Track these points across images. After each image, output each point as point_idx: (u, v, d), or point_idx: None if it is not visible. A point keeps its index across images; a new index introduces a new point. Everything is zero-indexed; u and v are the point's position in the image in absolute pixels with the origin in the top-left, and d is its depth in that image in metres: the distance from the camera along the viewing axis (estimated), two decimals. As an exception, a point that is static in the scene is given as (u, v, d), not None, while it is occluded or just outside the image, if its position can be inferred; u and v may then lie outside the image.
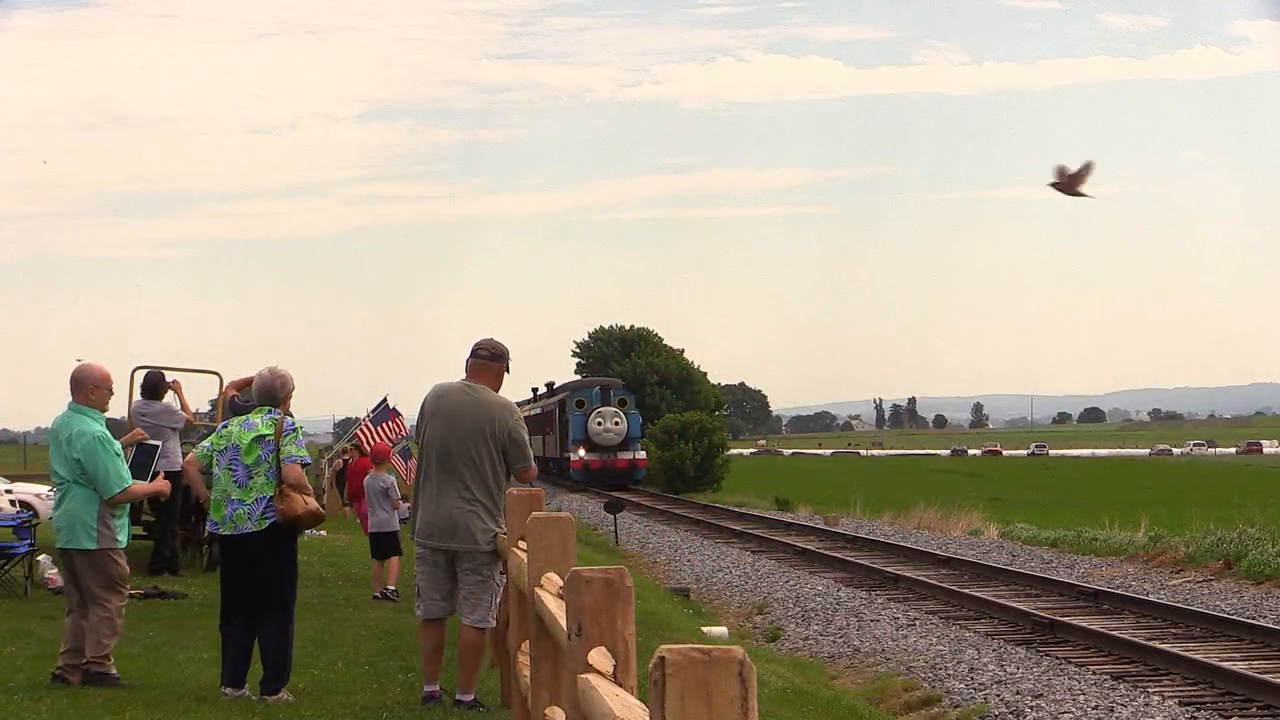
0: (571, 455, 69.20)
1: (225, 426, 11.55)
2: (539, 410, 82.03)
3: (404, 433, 34.94)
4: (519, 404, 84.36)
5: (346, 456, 33.71)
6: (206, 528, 11.88)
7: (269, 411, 11.44)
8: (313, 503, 11.32)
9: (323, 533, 32.03)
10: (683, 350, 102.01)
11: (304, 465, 11.36)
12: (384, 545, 19.63)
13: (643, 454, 70.20)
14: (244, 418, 11.50)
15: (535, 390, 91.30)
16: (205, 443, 11.79)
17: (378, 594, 19.14)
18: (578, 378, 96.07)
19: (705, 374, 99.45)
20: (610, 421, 69.03)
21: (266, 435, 11.26)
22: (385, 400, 35.60)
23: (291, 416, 11.62)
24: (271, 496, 11.18)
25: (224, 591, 11.56)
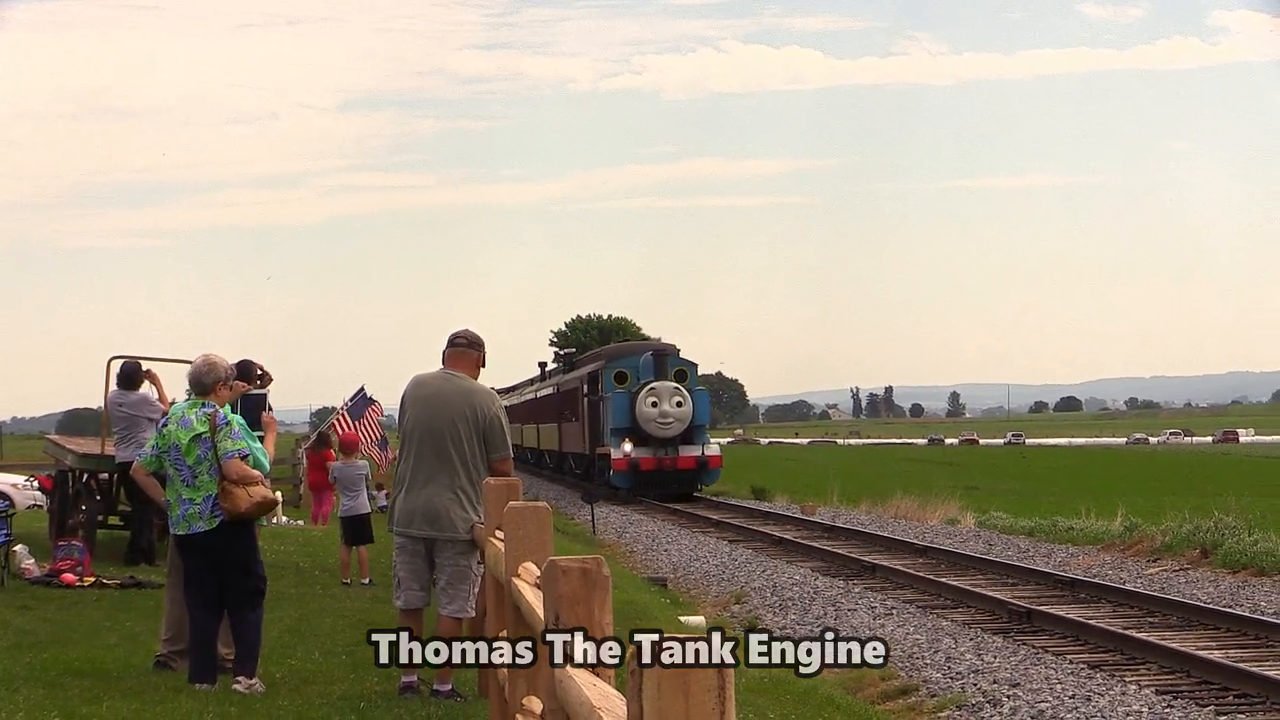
0: (612, 451, 48.59)
1: (165, 425, 11.41)
2: (552, 390, 62.60)
3: (380, 433, 34.89)
4: (518, 385, 78.92)
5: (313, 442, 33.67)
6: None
7: (202, 405, 11.31)
8: (258, 492, 11.17)
9: (300, 522, 32.02)
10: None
11: (243, 457, 11.23)
12: (356, 531, 19.64)
13: (715, 449, 49.95)
14: (180, 414, 11.34)
15: (543, 365, 74.94)
16: (147, 448, 11.63)
17: (346, 580, 19.17)
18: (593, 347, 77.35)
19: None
20: (670, 403, 48.10)
21: (202, 433, 11.13)
22: (363, 389, 35.53)
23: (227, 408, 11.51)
24: (218, 494, 11.14)
25: (186, 589, 11.49)
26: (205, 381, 11.41)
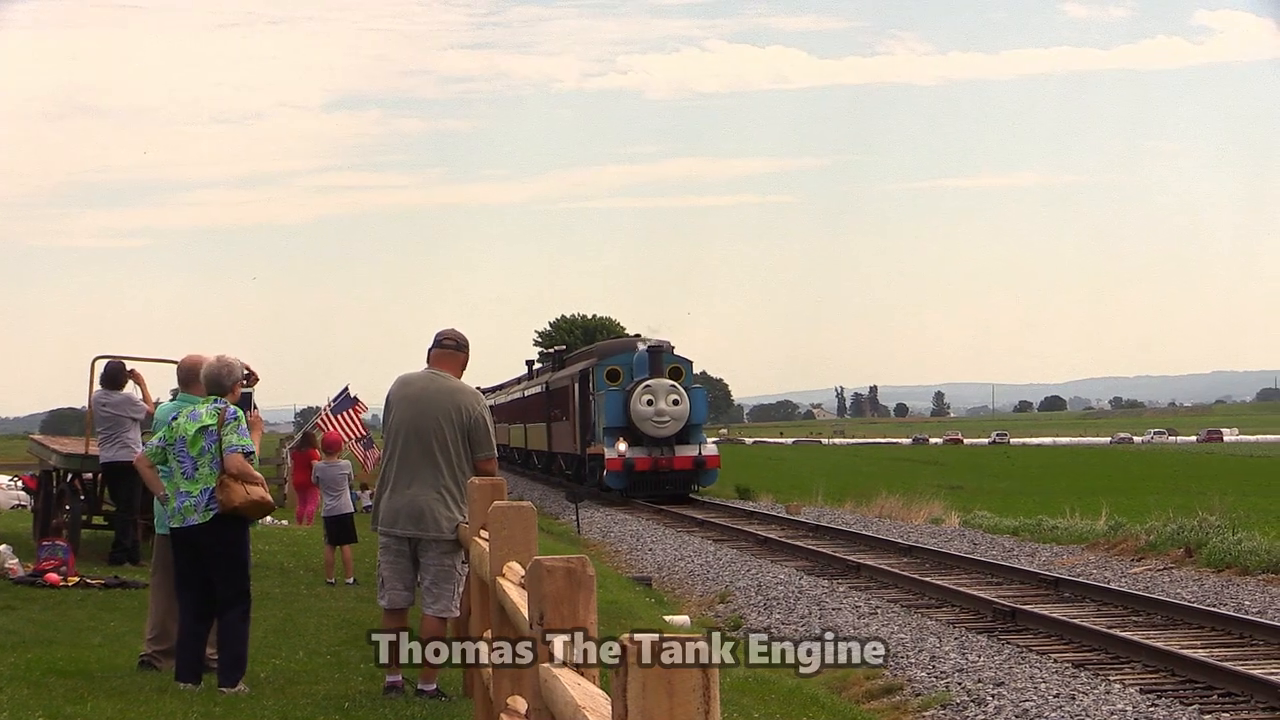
0: (606, 451, 46.40)
1: (175, 419, 11.46)
2: (541, 388, 60.00)
3: (364, 431, 34.86)
4: (505, 384, 78.26)
5: (296, 444, 33.71)
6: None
7: (215, 401, 11.35)
8: (256, 491, 11.18)
9: (284, 521, 31.96)
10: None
11: (247, 454, 11.24)
12: (339, 530, 19.61)
13: (713, 448, 47.92)
14: (191, 408, 11.40)
15: (531, 364, 73.15)
16: (154, 439, 11.73)
17: (331, 580, 19.14)
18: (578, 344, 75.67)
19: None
20: (665, 400, 45.90)
21: (210, 425, 11.17)
22: (346, 389, 35.48)
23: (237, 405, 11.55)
24: (215, 487, 11.13)
25: (177, 586, 11.49)
26: (225, 382, 11.43)
